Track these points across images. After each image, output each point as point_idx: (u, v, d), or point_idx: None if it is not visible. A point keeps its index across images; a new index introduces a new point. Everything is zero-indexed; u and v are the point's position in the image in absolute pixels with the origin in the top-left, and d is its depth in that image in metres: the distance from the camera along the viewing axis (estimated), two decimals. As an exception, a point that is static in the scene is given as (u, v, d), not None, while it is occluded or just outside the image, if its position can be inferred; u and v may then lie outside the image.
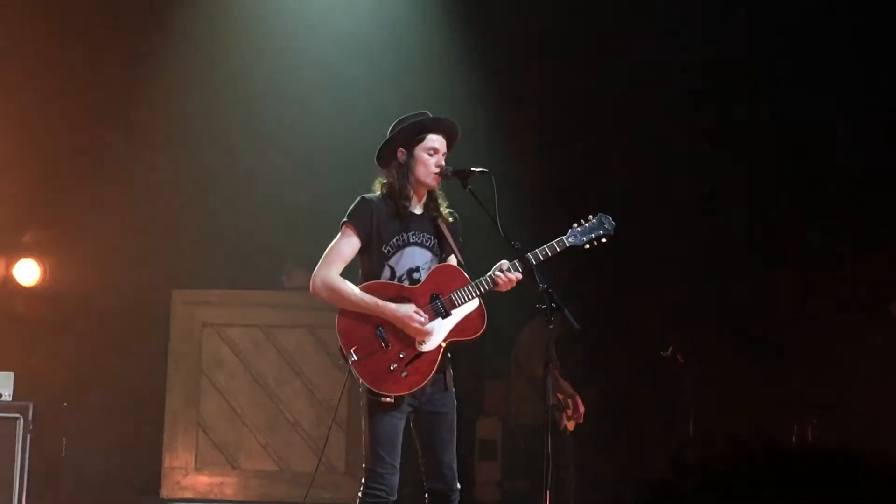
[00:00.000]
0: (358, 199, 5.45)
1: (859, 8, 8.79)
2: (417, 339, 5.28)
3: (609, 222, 5.52)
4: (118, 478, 9.31)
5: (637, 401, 9.23)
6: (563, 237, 5.44)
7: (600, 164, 9.43)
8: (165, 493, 9.30)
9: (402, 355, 5.26)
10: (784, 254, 9.20)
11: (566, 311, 5.10)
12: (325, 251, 5.41)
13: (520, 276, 5.32)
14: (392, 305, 5.29)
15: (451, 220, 5.53)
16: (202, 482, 9.32)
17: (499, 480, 9.19)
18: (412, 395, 5.30)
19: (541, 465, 8.53)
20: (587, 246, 5.46)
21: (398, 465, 5.32)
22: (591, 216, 5.52)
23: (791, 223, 9.21)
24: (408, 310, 5.28)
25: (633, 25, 9.18)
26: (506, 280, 5.32)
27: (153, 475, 9.31)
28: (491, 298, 5.42)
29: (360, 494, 5.31)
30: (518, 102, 9.49)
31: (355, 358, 5.23)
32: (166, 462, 9.31)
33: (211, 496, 9.32)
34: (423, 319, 5.27)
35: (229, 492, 9.34)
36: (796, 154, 9.17)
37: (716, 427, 8.69)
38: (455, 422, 5.45)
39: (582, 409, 8.43)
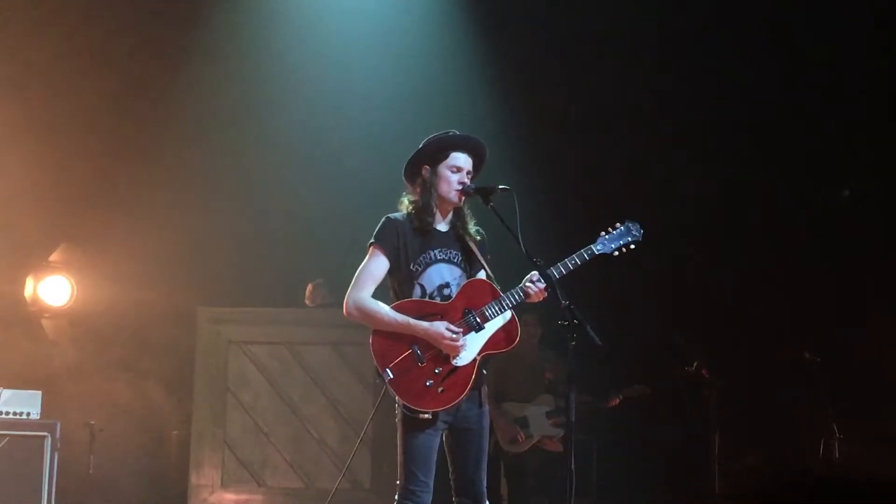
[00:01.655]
0: (383, 219, 5.49)
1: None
2: (452, 354, 5.30)
3: (637, 229, 5.56)
4: (145, 495, 9.32)
5: (662, 416, 9.20)
6: (592, 245, 5.48)
7: (628, 177, 9.43)
8: (192, 510, 9.32)
9: (437, 371, 5.28)
10: (813, 268, 9.16)
11: (588, 328, 5.11)
12: (356, 273, 5.45)
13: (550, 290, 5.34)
14: (424, 323, 5.31)
15: (478, 237, 5.56)
16: (228, 500, 9.34)
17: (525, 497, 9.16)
18: (447, 412, 5.32)
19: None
20: (616, 253, 5.50)
21: (432, 483, 5.33)
22: (618, 224, 5.56)
23: (820, 238, 9.18)
24: (440, 326, 5.30)
25: (656, 31, 9.21)
26: (537, 291, 5.35)
27: (180, 493, 9.32)
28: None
29: (393, 511, 5.34)
30: (545, 116, 9.53)
31: (391, 376, 5.25)
32: (193, 480, 9.33)
33: (237, 513, 9.33)
34: (455, 335, 5.30)
35: (256, 509, 9.36)
36: (824, 171, 9.16)
37: (742, 443, 8.67)
38: (486, 439, 5.47)
39: (507, 436, 8.58)
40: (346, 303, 5.42)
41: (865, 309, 8.97)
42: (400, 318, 5.33)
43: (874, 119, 9.04)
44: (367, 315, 5.37)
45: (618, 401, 8.86)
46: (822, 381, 8.58)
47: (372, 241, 5.47)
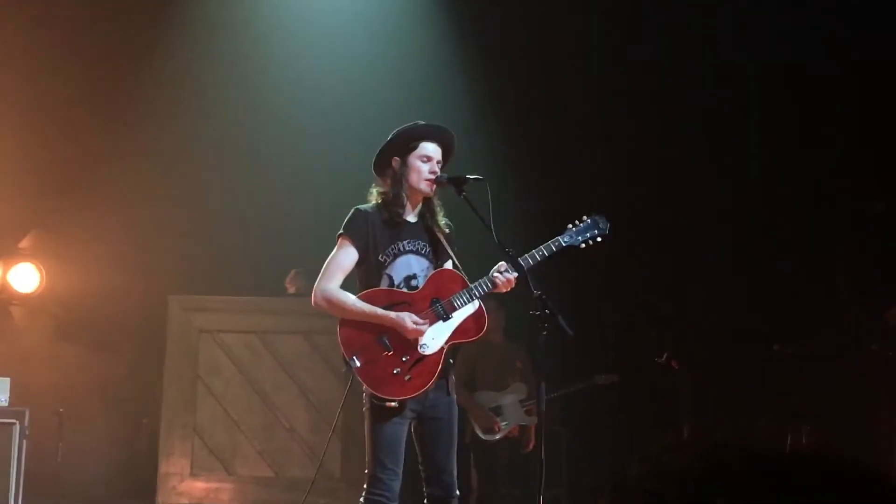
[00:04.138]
0: (352, 210, 5.51)
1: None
2: (419, 341, 5.31)
3: (603, 222, 5.61)
4: (114, 483, 9.31)
5: (632, 407, 9.23)
6: (559, 237, 5.52)
7: (597, 170, 9.46)
8: (161, 498, 9.27)
9: (404, 359, 5.30)
10: (783, 260, 9.21)
11: (560, 318, 5.13)
12: (325, 264, 5.46)
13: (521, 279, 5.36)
14: (392, 313, 5.33)
15: (447, 230, 5.57)
16: (198, 488, 9.31)
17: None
18: (416, 400, 5.34)
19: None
20: (583, 245, 5.54)
21: (400, 471, 5.36)
22: (585, 217, 5.60)
23: (790, 231, 9.22)
24: (405, 317, 5.31)
25: (634, 28, 9.23)
26: (504, 281, 5.37)
27: (149, 481, 9.28)
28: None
29: (361, 500, 5.34)
30: (515, 109, 9.54)
31: (358, 364, 5.26)
32: (162, 468, 9.29)
33: (206, 502, 9.30)
34: (420, 321, 5.31)
35: (225, 498, 9.33)
36: (793, 157, 9.20)
37: (710, 434, 8.71)
38: (456, 428, 5.49)
39: (484, 425, 8.56)
40: (315, 293, 5.43)
41: (835, 300, 9.02)
42: (367, 307, 5.35)
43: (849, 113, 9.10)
44: (334, 305, 5.38)
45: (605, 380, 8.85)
46: (790, 372, 8.63)
47: (341, 232, 5.48)
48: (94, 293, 9.51)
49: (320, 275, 5.45)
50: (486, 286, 5.40)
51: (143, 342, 9.57)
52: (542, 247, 5.46)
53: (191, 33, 9.43)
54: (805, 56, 8.96)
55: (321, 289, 5.41)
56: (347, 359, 5.29)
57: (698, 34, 9.12)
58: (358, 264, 5.47)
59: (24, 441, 7.79)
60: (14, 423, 7.77)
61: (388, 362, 5.29)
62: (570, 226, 5.58)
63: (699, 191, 9.40)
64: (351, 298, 5.39)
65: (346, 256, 5.45)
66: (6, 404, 7.89)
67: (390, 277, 5.44)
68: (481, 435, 8.63)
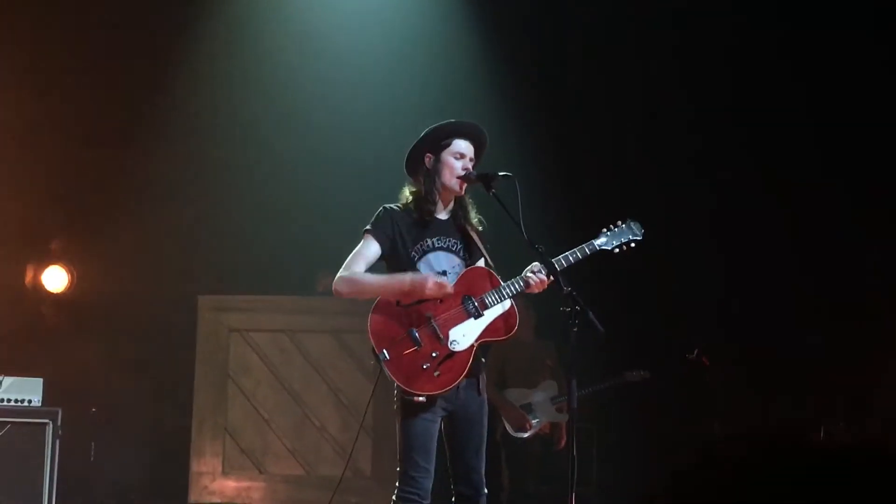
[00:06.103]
0: (379, 209, 5.48)
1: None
2: (441, 294, 5.27)
3: (638, 228, 5.59)
4: (146, 482, 9.35)
5: (663, 404, 9.20)
6: (594, 241, 5.52)
7: (629, 167, 9.44)
8: (193, 497, 9.34)
9: (434, 354, 5.27)
10: (812, 252, 9.16)
11: (590, 314, 5.11)
12: (348, 258, 5.44)
13: (552, 278, 5.34)
14: (408, 274, 5.32)
15: (480, 227, 5.56)
16: (230, 487, 9.37)
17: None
18: (446, 398, 5.32)
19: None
20: (616, 250, 5.53)
21: (432, 469, 5.33)
22: (619, 221, 5.59)
23: (818, 220, 9.17)
24: (425, 275, 5.32)
25: (663, 25, 9.21)
26: (538, 281, 5.35)
27: (181, 480, 9.35)
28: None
29: (393, 498, 5.33)
30: (546, 105, 9.53)
31: (388, 357, 5.24)
32: (194, 467, 9.35)
33: (238, 500, 9.35)
34: (441, 280, 5.31)
35: (257, 496, 9.38)
36: (820, 150, 9.15)
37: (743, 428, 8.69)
38: (486, 427, 5.48)
39: (516, 423, 8.55)
40: (335, 282, 5.38)
41: (867, 295, 8.96)
42: (382, 278, 5.35)
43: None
44: (352, 286, 5.33)
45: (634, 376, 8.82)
46: (823, 367, 8.59)
47: (367, 227, 5.46)
48: (124, 294, 9.56)
49: (343, 266, 5.42)
50: (519, 285, 5.38)
51: (173, 342, 9.60)
52: (575, 249, 5.45)
53: (221, 39, 9.47)
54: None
55: (339, 275, 5.37)
56: (377, 352, 5.27)
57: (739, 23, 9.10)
58: (386, 260, 5.45)
59: (57, 441, 7.83)
60: (47, 423, 7.82)
61: (418, 357, 5.27)
62: (605, 230, 5.57)
63: (730, 187, 9.36)
64: (368, 275, 5.35)
65: (368, 248, 5.41)
66: (39, 404, 7.93)
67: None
68: (512, 432, 8.63)
